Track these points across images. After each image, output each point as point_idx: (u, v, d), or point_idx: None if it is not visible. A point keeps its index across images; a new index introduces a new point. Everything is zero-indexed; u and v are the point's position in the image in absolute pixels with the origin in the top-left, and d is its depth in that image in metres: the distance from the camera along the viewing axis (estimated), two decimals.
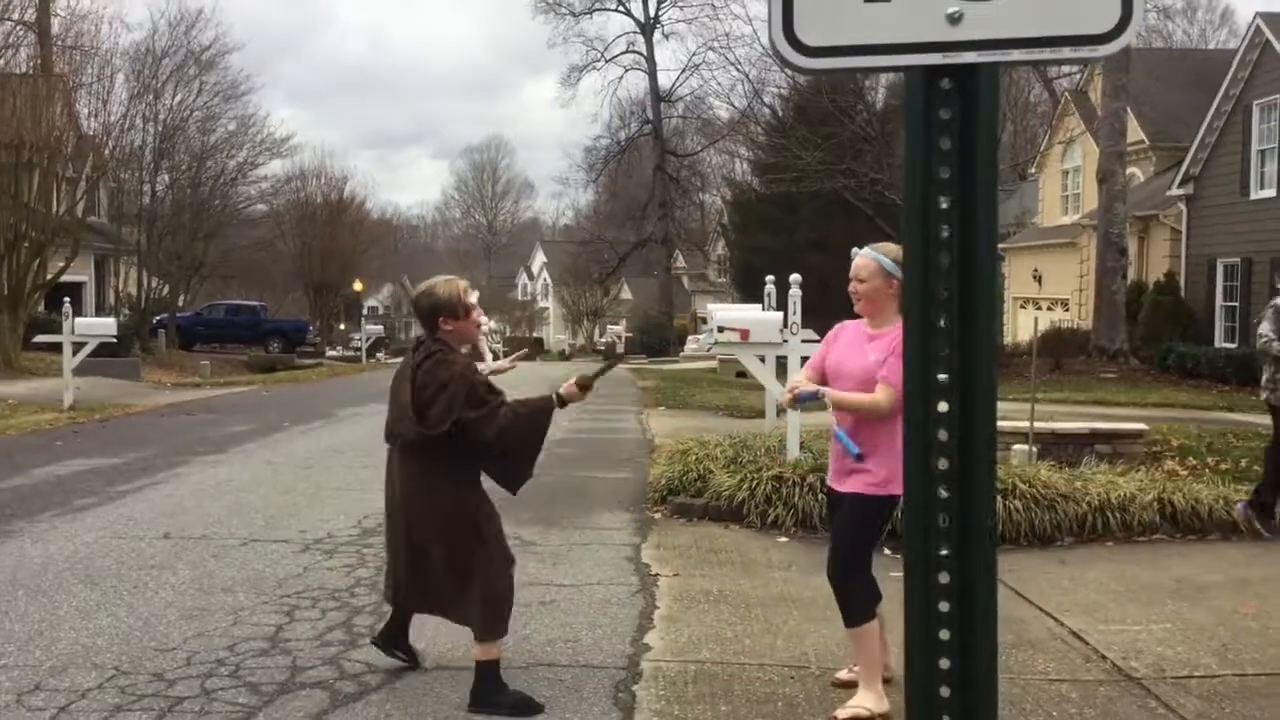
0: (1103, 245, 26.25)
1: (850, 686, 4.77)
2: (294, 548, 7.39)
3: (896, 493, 4.52)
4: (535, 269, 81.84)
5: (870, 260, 4.51)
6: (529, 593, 6.12)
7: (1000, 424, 8.96)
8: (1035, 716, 4.58)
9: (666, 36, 71.03)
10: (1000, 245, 38.85)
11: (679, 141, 56.02)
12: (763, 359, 9.64)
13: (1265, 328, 8.15)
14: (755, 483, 8.48)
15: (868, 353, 4.50)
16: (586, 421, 15.74)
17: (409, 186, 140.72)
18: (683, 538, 7.95)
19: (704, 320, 12.09)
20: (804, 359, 9.49)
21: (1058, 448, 10.72)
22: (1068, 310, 35.04)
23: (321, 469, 11.10)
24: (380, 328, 52.35)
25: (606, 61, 54.47)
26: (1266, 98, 21.89)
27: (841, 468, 4.62)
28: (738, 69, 27.26)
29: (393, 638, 5.02)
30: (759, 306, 11.98)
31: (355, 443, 13.19)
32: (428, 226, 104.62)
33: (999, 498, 7.90)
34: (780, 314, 9.60)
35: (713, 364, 34.50)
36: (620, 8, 54.11)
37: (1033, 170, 39.69)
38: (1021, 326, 36.81)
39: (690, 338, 50.67)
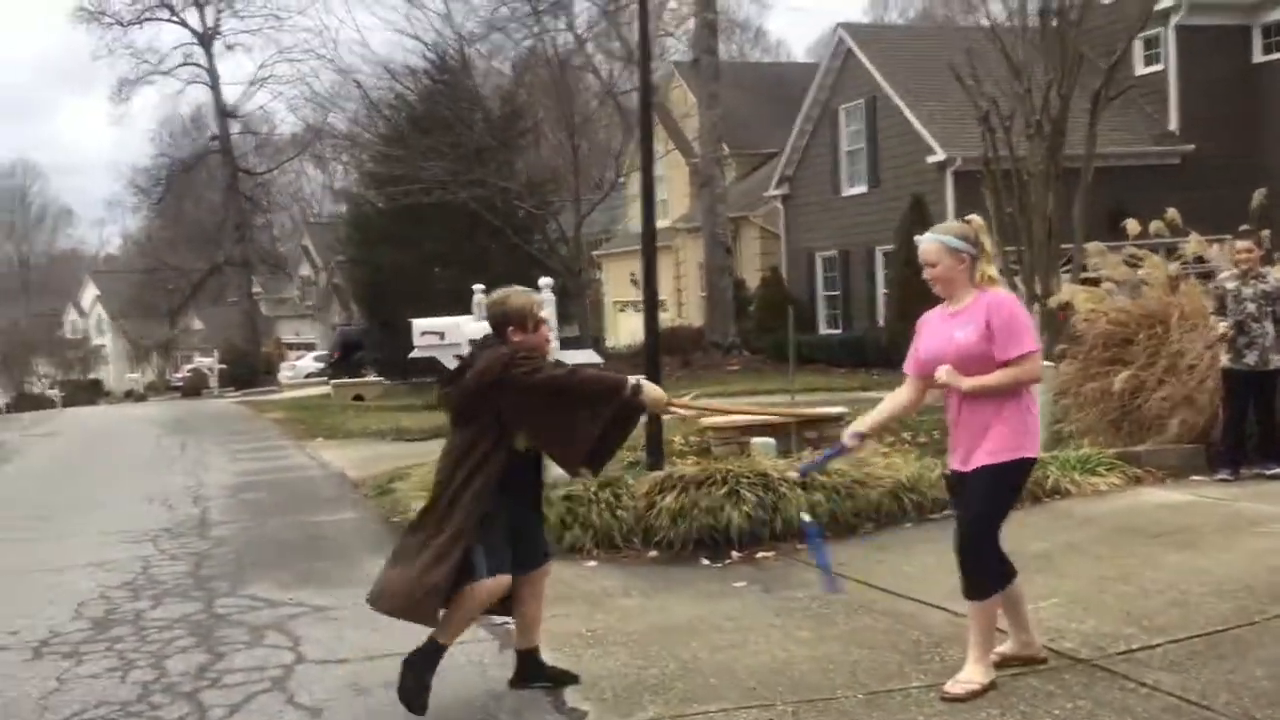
0: (710, 245, 27.57)
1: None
2: (19, 655, 5.70)
3: (1030, 455, 4.53)
4: (86, 303, 73.87)
5: (934, 243, 4.57)
6: (387, 668, 5.03)
7: (718, 420, 8.65)
8: (1039, 715, 4.28)
9: (230, 48, 66.46)
10: (595, 253, 39.98)
11: (251, 159, 52.66)
12: None
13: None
14: (545, 505, 7.68)
15: (953, 330, 4.50)
16: (250, 463, 14.07)
17: None
18: None
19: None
20: None
21: (768, 436, 10.78)
22: (667, 310, 36.66)
23: None
24: None
25: (163, 75, 50.10)
26: (851, 102, 23.88)
27: (969, 446, 4.49)
28: (355, 82, 25.58)
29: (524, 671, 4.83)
30: (470, 316, 11.12)
31: None
32: None
33: (801, 491, 7.70)
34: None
35: (325, 390, 32.72)
36: (174, 18, 49.88)
37: (621, 179, 41.20)
38: (623, 329, 38.07)
39: (284, 365, 47.77)
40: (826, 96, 24.68)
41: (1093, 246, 10.50)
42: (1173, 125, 21.71)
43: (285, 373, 44.87)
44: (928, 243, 4.59)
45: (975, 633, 4.56)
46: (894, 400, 4.81)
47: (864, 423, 4.75)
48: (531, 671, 4.85)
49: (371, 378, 29.77)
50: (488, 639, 5.70)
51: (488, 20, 25.68)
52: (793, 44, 76.88)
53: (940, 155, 20.69)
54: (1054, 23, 14.05)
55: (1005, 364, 4.40)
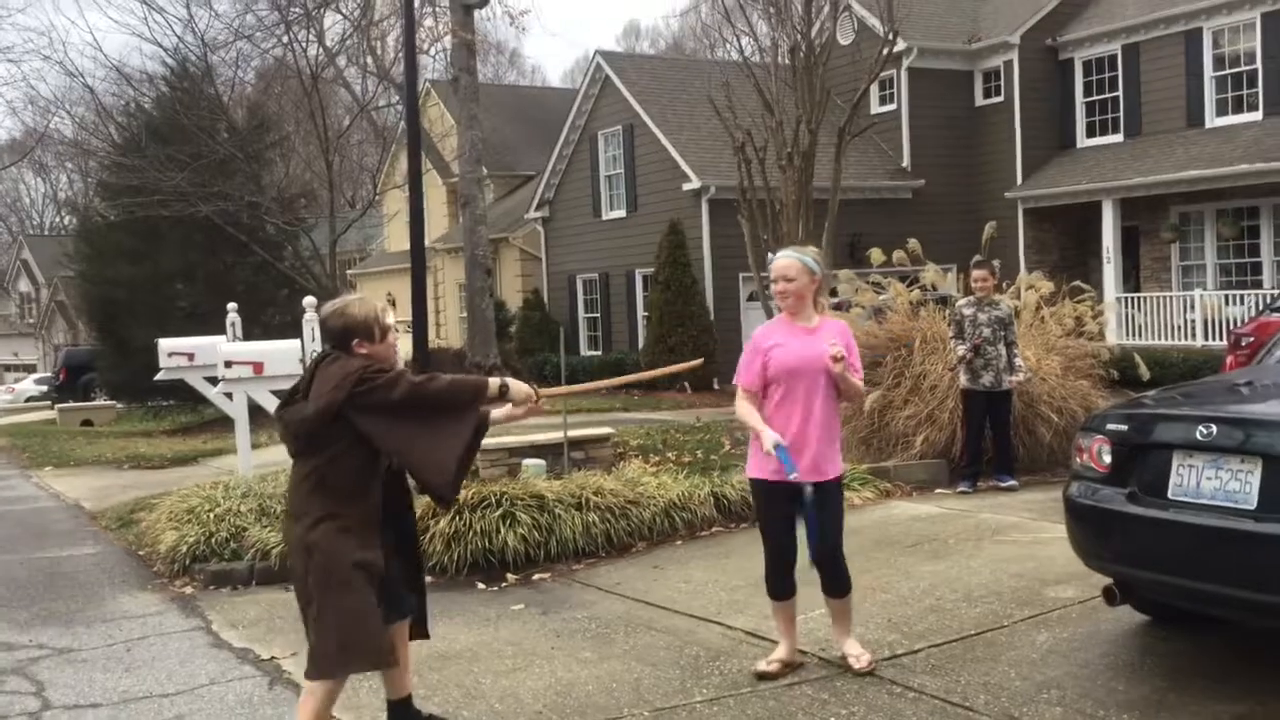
0: (470, 266, 27.15)
1: (774, 678, 4.95)
2: None
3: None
4: None
5: (797, 261, 4.84)
6: (145, 712, 4.70)
7: (486, 441, 8.66)
8: None
9: None
10: (350, 272, 38.96)
11: None
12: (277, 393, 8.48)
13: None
14: None
15: (820, 342, 4.79)
16: None
17: None
18: (250, 610, 6.70)
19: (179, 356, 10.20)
20: None
21: (537, 458, 10.80)
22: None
23: None
24: None
25: None
26: (610, 128, 24.27)
27: (817, 456, 4.81)
28: (82, 81, 23.98)
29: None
30: (224, 337, 10.59)
31: None
32: None
33: (576, 512, 7.74)
34: (295, 343, 8.53)
35: (49, 414, 30.35)
36: None
37: (377, 197, 40.31)
38: None
39: (2, 387, 44.06)
40: (585, 121, 24.98)
41: (844, 274, 11.07)
42: (905, 162, 23.17)
43: (3, 396, 41.43)
44: (790, 259, 4.86)
45: (846, 623, 5.07)
46: (754, 409, 4.88)
47: (767, 432, 4.71)
48: None
49: (102, 401, 27.91)
50: (254, 675, 5.43)
51: (233, 28, 24.60)
52: (548, 70, 77.70)
53: (695, 183, 21.30)
54: (801, 55, 14.80)
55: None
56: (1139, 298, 19.66)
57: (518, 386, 4.02)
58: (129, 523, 9.68)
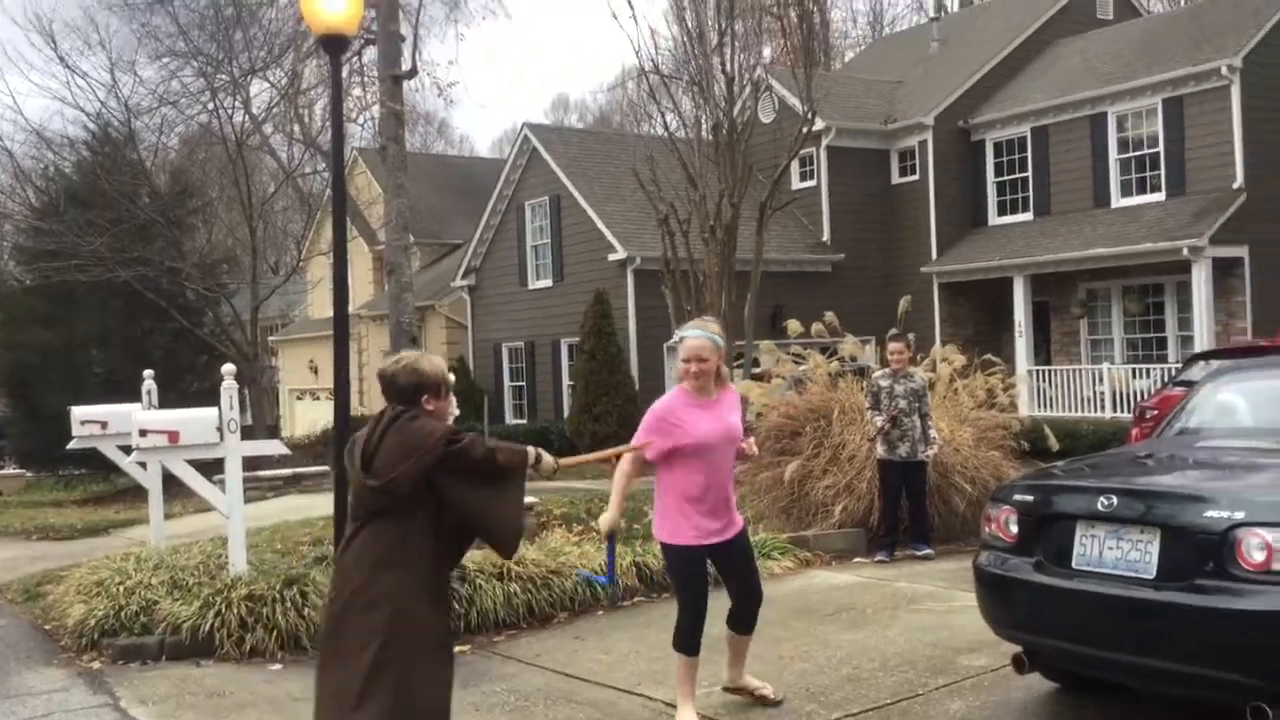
0: (396, 333, 26.92)
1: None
2: None
3: None
4: None
5: (708, 341, 5.13)
6: None
7: None
8: None
9: None
10: (271, 339, 38.52)
11: None
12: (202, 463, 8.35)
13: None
14: (224, 605, 7.27)
15: (725, 415, 5.19)
16: None
17: None
18: (160, 686, 6.54)
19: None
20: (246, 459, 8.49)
21: None
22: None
23: None
24: None
25: None
26: (536, 198, 24.50)
27: (729, 517, 5.22)
28: (4, 149, 23.63)
29: None
30: (139, 405, 10.40)
31: None
32: None
33: (498, 583, 7.72)
34: (213, 411, 8.40)
35: None
36: None
37: (301, 263, 40.06)
38: (300, 419, 36.76)
39: None
40: (513, 192, 25.18)
41: (765, 344, 11.27)
42: (825, 236, 23.68)
43: None
44: (704, 339, 5.13)
45: (745, 657, 5.52)
46: (626, 479, 5.29)
47: (612, 514, 5.28)
48: None
49: (11, 470, 27.14)
50: None
51: (158, 94, 24.48)
52: (477, 139, 78.04)
53: (621, 254, 21.54)
54: (724, 132, 15.16)
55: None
56: (1050, 370, 20.22)
57: (547, 459, 4.28)
58: (36, 595, 9.40)
